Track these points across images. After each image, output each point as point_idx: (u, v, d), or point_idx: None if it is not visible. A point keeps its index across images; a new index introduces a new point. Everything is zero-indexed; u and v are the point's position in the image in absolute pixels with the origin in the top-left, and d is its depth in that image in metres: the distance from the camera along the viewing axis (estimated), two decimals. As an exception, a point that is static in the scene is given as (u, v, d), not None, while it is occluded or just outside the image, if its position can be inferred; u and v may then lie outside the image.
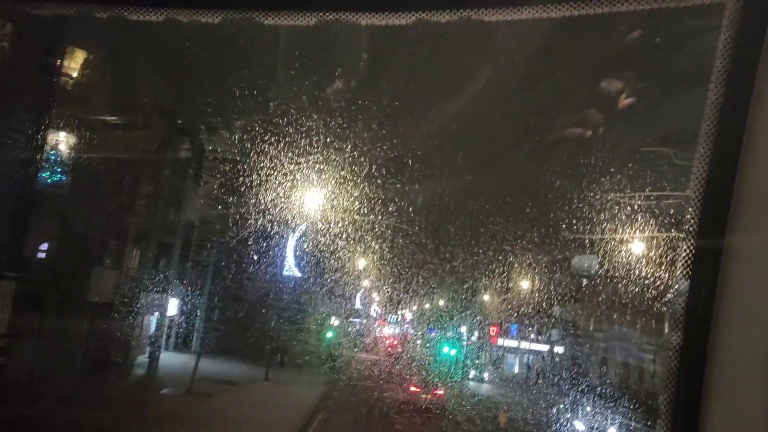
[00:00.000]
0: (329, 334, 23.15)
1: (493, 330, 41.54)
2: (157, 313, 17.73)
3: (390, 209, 21.97)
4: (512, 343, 41.56)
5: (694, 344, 2.11)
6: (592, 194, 15.93)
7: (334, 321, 25.32)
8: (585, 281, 31.55)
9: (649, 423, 18.74)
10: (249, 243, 19.14)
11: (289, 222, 18.57)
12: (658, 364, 26.62)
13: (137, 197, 17.04)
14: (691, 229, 2.18)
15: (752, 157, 2.00)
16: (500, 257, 30.75)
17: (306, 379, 19.33)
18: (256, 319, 18.97)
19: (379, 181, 19.85)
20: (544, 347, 37.55)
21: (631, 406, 24.38)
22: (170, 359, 18.26)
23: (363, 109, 15.67)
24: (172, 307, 18.30)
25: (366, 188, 19.32)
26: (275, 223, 18.58)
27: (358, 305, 34.54)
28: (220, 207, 19.08)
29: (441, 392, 22.75)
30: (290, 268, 19.20)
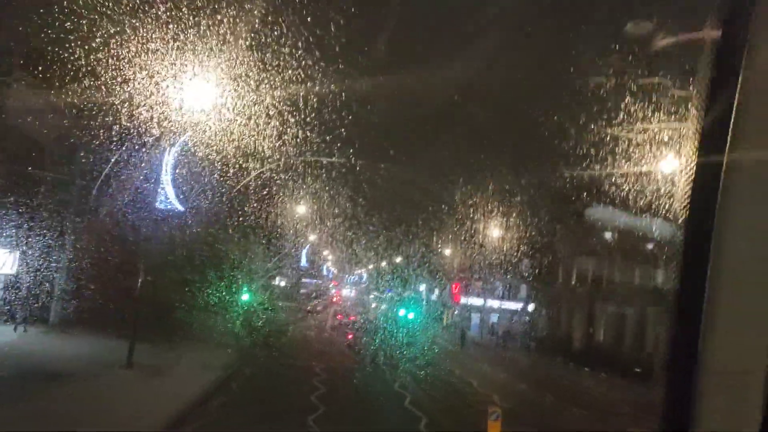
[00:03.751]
0: (245, 297, 16.48)
1: (455, 287, 35.99)
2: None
3: (337, 134, 15.64)
4: (477, 301, 36.01)
5: (690, 294, 1.97)
6: (579, 130, 14.44)
7: (256, 279, 18.64)
8: (564, 230, 25.78)
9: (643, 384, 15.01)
10: (110, 162, 12.21)
11: (168, 127, 11.69)
12: (651, 322, 21.13)
13: None
14: (680, 231, 2.11)
15: (751, 81, 1.92)
16: (467, 201, 25.36)
17: (195, 364, 12.71)
18: (119, 276, 12.17)
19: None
20: (515, 305, 31.98)
21: (619, 370, 19.09)
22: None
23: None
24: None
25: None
26: (149, 130, 11.67)
27: (288, 257, 27.90)
28: (63, 108, 12.15)
29: None
30: (171, 199, 12.38)
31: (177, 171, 12.20)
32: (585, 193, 19.80)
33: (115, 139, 11.72)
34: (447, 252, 33.91)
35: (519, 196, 24.73)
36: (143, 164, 11.93)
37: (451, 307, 34.89)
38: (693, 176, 2.08)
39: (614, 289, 22.38)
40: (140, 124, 11.46)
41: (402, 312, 21.00)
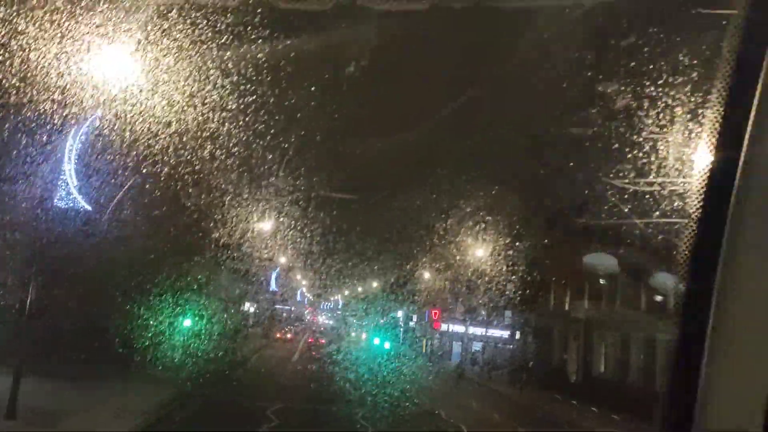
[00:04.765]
0: (187, 323, 13.48)
1: (435, 314, 33.37)
2: None
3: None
4: (458, 328, 33.25)
5: (692, 328, 1.97)
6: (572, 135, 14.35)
7: (209, 302, 15.59)
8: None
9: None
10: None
11: (74, 102, 8.85)
12: (650, 349, 18.53)
13: None
14: (691, 221, 2.08)
15: (755, 151, 1.92)
16: (448, 224, 23.39)
17: (108, 408, 9.51)
18: (6, 294, 9.06)
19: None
20: (500, 332, 29.25)
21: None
22: None
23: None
24: None
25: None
26: (48, 106, 8.83)
27: (252, 279, 24.60)
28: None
29: None
30: (75, 194, 9.45)
31: (85, 159, 9.34)
32: (578, 211, 18.15)
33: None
34: (426, 276, 31.37)
35: (504, 216, 22.36)
36: (39, 150, 9.01)
37: (430, 334, 32.20)
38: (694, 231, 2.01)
39: (615, 316, 19.77)
40: (36, 98, 8.62)
41: (377, 341, 18.20)
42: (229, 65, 10.01)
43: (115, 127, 9.44)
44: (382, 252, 27.84)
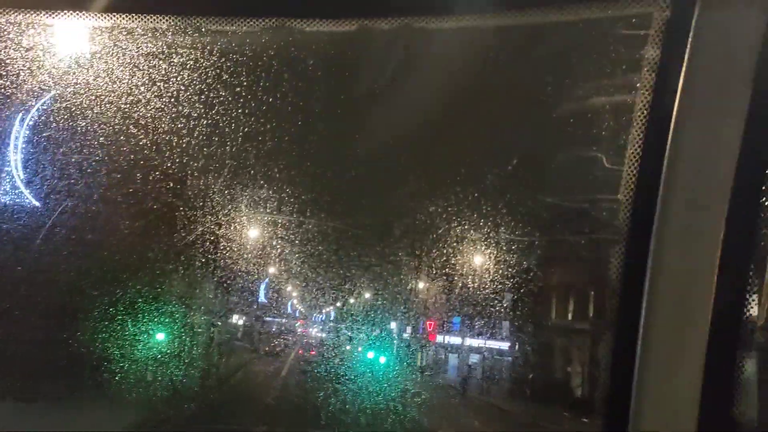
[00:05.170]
0: (160, 337, 12.19)
1: (430, 325, 32.37)
2: None
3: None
4: (455, 339, 32.25)
5: (622, 338, 2.21)
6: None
7: (188, 313, 14.26)
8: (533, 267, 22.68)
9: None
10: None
11: (22, 82, 7.67)
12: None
13: None
14: (620, 229, 2.29)
15: (677, 161, 2.07)
16: (443, 231, 22.40)
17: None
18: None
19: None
20: (499, 344, 28.25)
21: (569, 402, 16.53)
22: None
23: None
24: None
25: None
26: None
27: (239, 290, 23.30)
28: None
29: None
30: (22, 188, 8.29)
31: (35, 148, 8.17)
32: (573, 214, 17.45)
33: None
34: (421, 286, 30.26)
35: (499, 222, 21.33)
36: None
37: (426, 347, 31.07)
38: (623, 242, 2.31)
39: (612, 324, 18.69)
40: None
41: (371, 354, 17.00)
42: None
43: (71, 111, 8.21)
44: (375, 262, 26.83)
